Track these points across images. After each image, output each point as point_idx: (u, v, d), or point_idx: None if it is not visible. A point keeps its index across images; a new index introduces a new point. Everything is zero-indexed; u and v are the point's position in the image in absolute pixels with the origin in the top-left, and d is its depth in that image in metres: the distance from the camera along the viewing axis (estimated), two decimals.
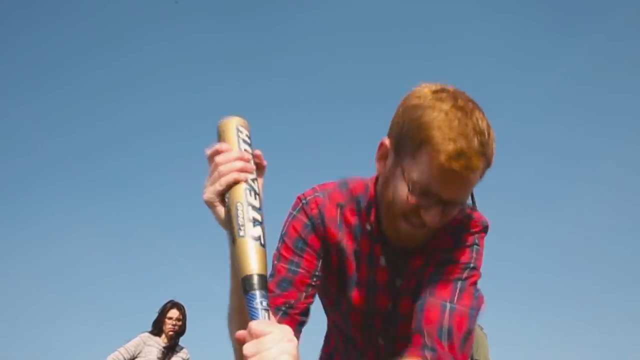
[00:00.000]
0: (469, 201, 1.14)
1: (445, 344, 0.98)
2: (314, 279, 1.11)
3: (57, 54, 9.59)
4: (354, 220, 1.13)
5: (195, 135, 9.88)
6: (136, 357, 4.42)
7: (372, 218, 1.10)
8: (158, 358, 4.47)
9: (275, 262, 1.11)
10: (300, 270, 1.09)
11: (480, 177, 0.98)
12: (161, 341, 4.57)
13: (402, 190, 0.98)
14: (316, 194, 1.14)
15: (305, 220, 1.12)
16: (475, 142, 0.92)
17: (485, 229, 1.13)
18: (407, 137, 0.97)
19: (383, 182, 1.06)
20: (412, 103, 0.98)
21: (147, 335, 4.58)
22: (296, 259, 1.10)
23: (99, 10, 9.39)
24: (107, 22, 9.38)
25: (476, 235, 1.10)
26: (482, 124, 0.94)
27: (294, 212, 1.14)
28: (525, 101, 9.19)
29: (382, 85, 9.75)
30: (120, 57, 9.81)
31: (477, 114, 0.95)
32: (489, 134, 0.94)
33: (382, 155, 1.05)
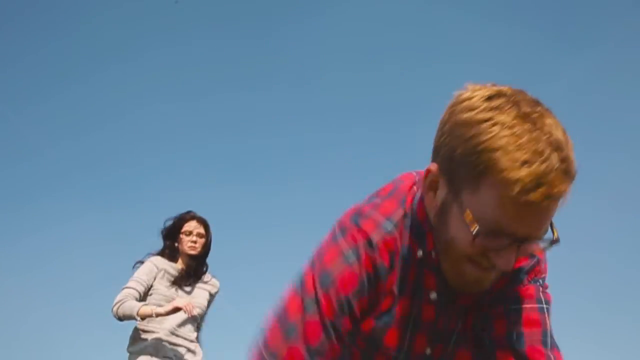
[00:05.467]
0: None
1: None
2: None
3: (59, 58, 9.54)
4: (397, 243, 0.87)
5: (203, 143, 9.94)
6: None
7: (430, 245, 0.85)
8: (169, 287, 3.15)
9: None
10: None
11: (564, 199, 0.73)
12: (178, 267, 3.23)
13: (463, 231, 0.75)
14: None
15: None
16: (555, 159, 0.69)
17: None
18: (462, 163, 0.73)
19: (437, 215, 0.82)
20: (462, 118, 0.74)
21: (159, 259, 3.21)
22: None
23: (101, 14, 9.40)
24: (110, 26, 9.41)
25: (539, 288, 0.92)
26: (557, 133, 0.71)
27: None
28: None
29: (385, 92, 9.81)
30: (126, 61, 9.83)
31: (547, 119, 0.72)
32: (567, 143, 0.71)
33: (431, 186, 0.81)
